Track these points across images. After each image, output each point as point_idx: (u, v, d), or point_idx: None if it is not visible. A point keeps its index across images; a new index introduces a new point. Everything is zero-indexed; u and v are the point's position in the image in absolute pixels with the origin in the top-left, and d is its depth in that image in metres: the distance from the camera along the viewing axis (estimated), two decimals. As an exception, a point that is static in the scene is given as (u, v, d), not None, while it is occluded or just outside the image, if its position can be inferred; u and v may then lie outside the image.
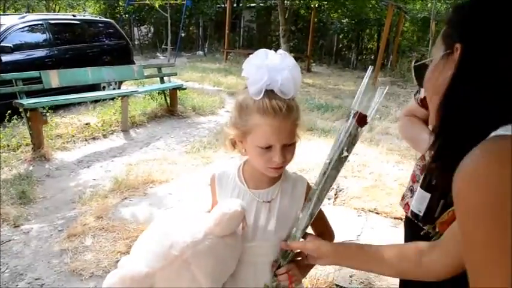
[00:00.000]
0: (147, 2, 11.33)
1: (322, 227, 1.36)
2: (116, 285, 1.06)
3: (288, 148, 1.20)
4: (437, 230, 1.40)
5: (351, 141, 1.15)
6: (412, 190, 1.65)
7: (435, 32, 11.33)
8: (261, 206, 1.29)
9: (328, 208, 3.98)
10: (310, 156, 5.11)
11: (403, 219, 1.80)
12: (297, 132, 1.23)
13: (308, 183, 1.35)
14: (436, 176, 1.32)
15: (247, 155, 1.26)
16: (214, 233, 1.16)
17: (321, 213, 1.31)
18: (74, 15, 9.22)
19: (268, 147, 1.17)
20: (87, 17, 10.18)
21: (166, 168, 4.81)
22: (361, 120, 1.13)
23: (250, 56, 1.18)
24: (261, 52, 1.18)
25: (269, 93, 1.14)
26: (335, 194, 4.21)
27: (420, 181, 1.44)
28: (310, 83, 12.75)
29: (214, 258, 1.16)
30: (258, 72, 1.14)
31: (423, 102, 1.60)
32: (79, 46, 8.31)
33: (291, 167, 1.31)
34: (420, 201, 1.40)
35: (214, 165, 4.95)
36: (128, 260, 1.15)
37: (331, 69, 17.10)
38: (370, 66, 1.22)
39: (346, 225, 3.56)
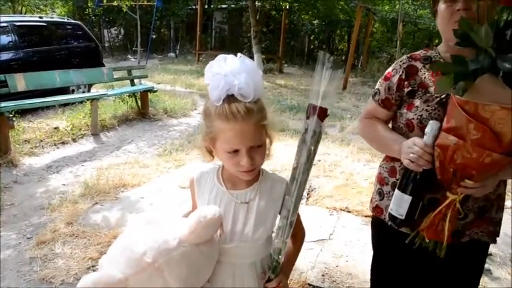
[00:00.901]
0: (115, 3, 11.14)
1: (296, 229, 1.36)
2: None
3: (256, 150, 1.22)
4: (422, 237, 1.43)
5: (316, 140, 1.17)
6: (380, 193, 1.66)
7: (403, 33, 11.56)
8: (239, 207, 1.31)
9: (300, 208, 4.01)
10: (282, 157, 5.13)
11: (371, 221, 1.83)
12: (268, 133, 1.26)
13: (287, 183, 1.33)
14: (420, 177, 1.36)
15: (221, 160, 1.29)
16: (188, 241, 1.16)
17: (298, 217, 1.35)
18: (40, 17, 9.04)
19: (236, 151, 1.19)
20: (55, 18, 10.00)
21: (137, 172, 4.76)
22: (322, 114, 1.15)
23: (210, 62, 1.20)
24: (220, 58, 1.20)
25: (229, 98, 1.17)
26: (307, 194, 4.25)
27: (398, 183, 1.44)
28: (282, 84, 12.83)
29: (188, 266, 1.16)
30: (215, 78, 1.16)
31: (385, 103, 1.61)
32: (46, 48, 8.15)
33: (263, 167, 1.33)
34: (400, 204, 1.40)
35: (187, 168, 4.93)
36: (106, 260, 1.16)
37: (303, 70, 17.21)
38: (320, 52, 1.18)
39: (318, 224, 3.60)
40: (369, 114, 1.70)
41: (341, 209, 3.89)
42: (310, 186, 4.38)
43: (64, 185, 4.47)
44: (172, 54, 20.62)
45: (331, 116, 8.05)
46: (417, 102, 1.50)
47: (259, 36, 13.97)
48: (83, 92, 8.31)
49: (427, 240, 1.42)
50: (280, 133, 6.47)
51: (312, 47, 20.55)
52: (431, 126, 1.34)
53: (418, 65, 1.56)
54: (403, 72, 1.56)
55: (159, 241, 1.13)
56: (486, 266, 3.16)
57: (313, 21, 18.96)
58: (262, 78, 1.24)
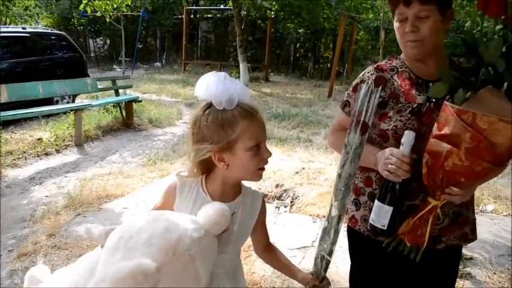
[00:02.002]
0: (98, 14, 11.13)
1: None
2: (125, 279, 0.98)
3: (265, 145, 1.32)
4: (402, 241, 1.45)
5: (359, 153, 1.33)
6: (357, 203, 1.66)
7: (386, 40, 11.71)
8: None
9: (284, 216, 4.05)
10: (266, 164, 5.17)
11: (347, 231, 1.81)
12: None
13: (263, 199, 1.45)
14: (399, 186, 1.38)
15: (232, 169, 1.29)
16: (211, 231, 1.20)
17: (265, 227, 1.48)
18: (23, 28, 9.00)
19: (257, 146, 1.26)
20: (38, 29, 9.97)
21: (121, 182, 4.74)
22: (364, 127, 1.30)
23: (200, 81, 1.26)
24: (207, 75, 1.27)
25: (238, 101, 1.25)
26: (291, 202, 4.28)
27: (377, 194, 1.45)
28: (268, 93, 12.89)
29: (212, 256, 1.20)
30: (223, 86, 1.22)
31: None
32: (30, 59, 8.12)
33: None
34: (381, 215, 1.41)
35: (172, 177, 4.92)
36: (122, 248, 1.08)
37: (289, 79, 17.33)
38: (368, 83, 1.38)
39: (301, 231, 3.62)
40: (339, 126, 1.71)
41: (324, 216, 3.89)
42: (294, 194, 4.42)
43: (47, 196, 4.44)
44: (158, 63, 20.61)
45: (316, 124, 8.13)
46: (390, 112, 1.52)
47: (244, 45, 14.04)
48: (68, 102, 8.28)
49: (408, 245, 1.44)
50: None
51: (297, 55, 20.66)
52: (407, 137, 1.37)
53: (386, 75, 1.57)
54: (373, 83, 1.56)
55: (189, 229, 1.14)
56: (467, 269, 3.22)
57: (299, 30, 19.10)
58: None
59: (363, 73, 1.65)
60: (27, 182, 4.84)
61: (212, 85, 1.23)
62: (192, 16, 21.06)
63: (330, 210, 1.41)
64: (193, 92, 1.24)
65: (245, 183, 1.43)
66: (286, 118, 8.56)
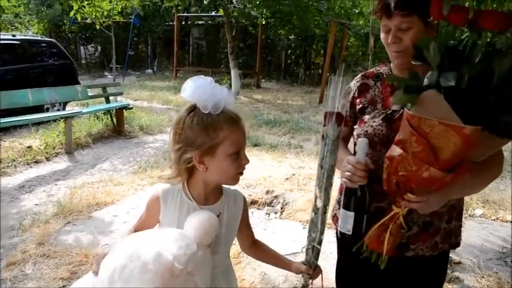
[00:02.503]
0: (89, 21, 11.12)
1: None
2: None
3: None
4: (367, 247, 1.45)
5: (336, 144, 1.34)
6: (339, 202, 1.67)
7: (377, 46, 11.79)
8: None
9: (274, 222, 4.06)
10: (256, 171, 5.19)
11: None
12: None
13: (244, 197, 1.49)
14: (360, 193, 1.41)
15: (211, 172, 1.31)
16: (203, 242, 1.21)
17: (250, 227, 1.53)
18: (13, 35, 8.95)
19: (237, 153, 1.29)
20: (28, 37, 9.94)
21: (111, 190, 4.73)
22: (339, 119, 1.31)
23: (188, 83, 1.27)
24: (195, 78, 1.28)
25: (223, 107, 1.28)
26: (281, 208, 4.30)
27: (341, 201, 1.48)
28: (259, 99, 12.92)
29: (209, 266, 1.22)
30: (211, 91, 1.24)
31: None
32: (20, 67, 8.09)
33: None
34: (346, 220, 1.44)
35: (161, 185, 4.92)
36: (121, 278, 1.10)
37: (280, 85, 17.39)
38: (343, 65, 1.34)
39: (291, 237, 3.64)
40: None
41: (314, 222, 3.93)
42: (284, 200, 4.43)
43: (37, 204, 4.42)
44: (150, 70, 20.60)
45: (307, 130, 8.16)
46: (366, 118, 1.56)
47: (235, 52, 14.08)
48: (58, 110, 8.24)
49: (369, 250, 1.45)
50: (256, 148, 6.52)
51: (289, 61, 20.75)
52: (360, 144, 1.41)
53: (370, 82, 1.62)
54: (356, 90, 1.63)
55: (182, 247, 1.15)
56: (456, 274, 3.25)
57: (290, 37, 19.20)
58: None
59: (353, 80, 1.70)
60: (17, 190, 4.81)
61: (200, 88, 1.25)
62: (183, 23, 21.10)
63: (315, 202, 1.42)
64: (184, 98, 1.26)
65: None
66: (277, 124, 8.59)
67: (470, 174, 1.35)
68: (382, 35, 1.52)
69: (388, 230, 1.37)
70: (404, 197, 1.32)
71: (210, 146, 1.25)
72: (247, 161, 1.33)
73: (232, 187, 1.43)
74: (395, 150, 1.28)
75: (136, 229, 1.44)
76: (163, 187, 1.41)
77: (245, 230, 1.52)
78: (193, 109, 1.27)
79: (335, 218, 1.73)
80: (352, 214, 1.43)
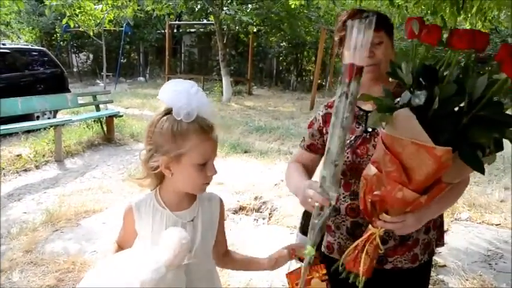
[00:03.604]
0: (81, 29, 11.15)
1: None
2: None
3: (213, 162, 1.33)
4: (344, 267, 1.43)
5: (351, 102, 1.16)
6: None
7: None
8: (185, 227, 1.34)
9: (262, 228, 4.08)
10: (246, 177, 5.22)
11: None
12: None
13: (219, 198, 1.48)
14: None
15: (176, 178, 1.30)
16: (173, 265, 1.18)
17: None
18: (3, 44, 8.97)
19: (203, 164, 1.27)
20: (18, 45, 9.94)
21: (100, 198, 4.74)
22: (358, 72, 1.14)
23: (167, 83, 1.27)
24: (177, 81, 1.28)
25: (197, 115, 1.25)
26: (269, 214, 4.32)
27: (299, 227, 1.50)
28: (250, 106, 12.97)
29: (181, 285, 1.21)
30: (187, 98, 1.22)
31: (310, 148, 1.70)
32: (10, 75, 8.10)
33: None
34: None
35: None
36: None
37: (272, 92, 17.46)
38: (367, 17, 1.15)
39: (278, 243, 3.63)
40: (294, 159, 1.77)
41: (302, 228, 3.96)
42: (272, 206, 4.46)
43: (25, 213, 4.41)
44: (142, 78, 20.61)
45: (297, 136, 8.19)
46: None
47: (227, 59, 14.15)
48: (49, 118, 8.23)
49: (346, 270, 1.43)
50: (245, 154, 6.56)
51: (280, 68, 20.86)
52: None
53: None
54: (321, 120, 1.67)
55: (150, 270, 1.14)
56: (440, 277, 3.29)
57: (281, 44, 19.30)
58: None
59: (316, 112, 1.74)
60: (6, 198, 4.80)
61: (177, 93, 1.23)
62: (175, 31, 21.14)
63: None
64: None
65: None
66: (267, 131, 8.64)
67: (442, 198, 1.35)
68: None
69: (364, 251, 1.34)
70: (380, 217, 1.30)
71: (176, 154, 1.24)
72: (214, 173, 1.31)
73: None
74: (371, 170, 1.27)
75: (118, 243, 1.45)
76: (136, 198, 1.41)
77: (219, 236, 1.47)
78: (167, 113, 1.25)
79: None
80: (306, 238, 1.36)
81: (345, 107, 1.16)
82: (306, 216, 1.44)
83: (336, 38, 1.63)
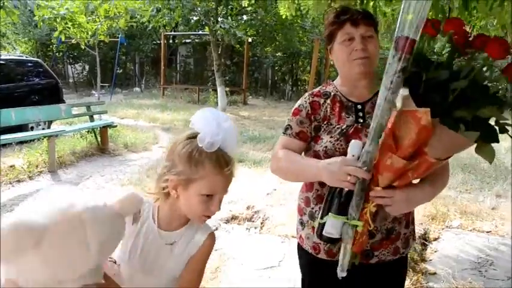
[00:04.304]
0: (73, 41, 11.21)
1: None
2: (6, 232, 0.97)
3: (221, 199, 1.32)
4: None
5: (394, 73, 1.22)
6: (302, 223, 1.73)
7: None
8: (163, 248, 1.36)
9: (254, 237, 4.09)
10: (239, 187, 5.23)
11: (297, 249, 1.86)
12: None
13: (211, 234, 1.40)
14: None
15: (181, 202, 1.31)
16: (114, 208, 1.19)
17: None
18: (-2, 55, 9.01)
19: (209, 196, 1.27)
20: (13, 56, 9.97)
21: (93, 208, 4.73)
22: (411, 46, 1.19)
23: (202, 110, 1.30)
24: (212, 110, 1.30)
25: (220, 147, 1.26)
26: (261, 223, 4.34)
27: (334, 208, 1.41)
28: (245, 116, 13.02)
29: (110, 230, 1.17)
30: (214, 127, 1.25)
31: (300, 136, 1.65)
32: (4, 86, 8.10)
33: None
34: (339, 225, 1.40)
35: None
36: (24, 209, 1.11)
37: (267, 101, 17.53)
38: None
39: (269, 252, 3.67)
40: (281, 146, 1.69)
41: (293, 236, 3.96)
42: (264, 215, 4.48)
43: (17, 223, 4.40)
44: (137, 89, 20.66)
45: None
46: (322, 134, 1.61)
47: (222, 70, 14.24)
48: (43, 128, 8.24)
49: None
50: (239, 163, 6.57)
51: (275, 78, 20.97)
52: (357, 145, 1.38)
53: (320, 100, 1.66)
54: (309, 107, 1.66)
55: (88, 198, 1.15)
56: (430, 284, 3.30)
57: (276, 54, 19.43)
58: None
59: (300, 99, 1.73)
60: (-2, 209, 4.80)
61: (206, 120, 1.26)
62: (170, 41, 21.27)
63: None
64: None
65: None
66: (261, 141, 8.67)
67: (429, 184, 1.46)
68: (340, 46, 1.58)
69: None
70: (371, 187, 1.35)
71: (186, 178, 1.26)
72: (217, 209, 1.30)
73: (222, 211, 1.43)
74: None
75: None
76: (147, 199, 1.41)
77: (183, 272, 1.37)
78: (193, 137, 1.27)
79: (301, 238, 1.75)
80: (343, 218, 1.39)
81: (399, 83, 1.22)
82: (335, 196, 1.41)
83: (325, 34, 1.66)
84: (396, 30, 1.22)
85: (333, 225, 1.41)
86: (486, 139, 1.23)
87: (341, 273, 1.45)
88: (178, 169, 1.27)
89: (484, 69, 1.23)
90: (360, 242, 1.41)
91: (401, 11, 1.22)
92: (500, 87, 1.27)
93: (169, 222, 1.37)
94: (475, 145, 1.26)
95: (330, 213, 1.41)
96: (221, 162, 1.26)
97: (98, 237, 1.12)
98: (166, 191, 1.31)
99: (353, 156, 1.37)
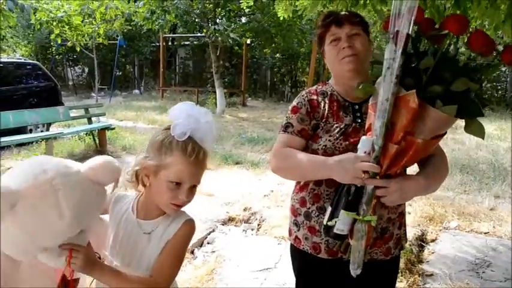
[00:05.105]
0: (69, 44, 11.22)
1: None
2: None
3: (193, 189, 1.35)
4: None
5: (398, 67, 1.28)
6: (296, 224, 1.71)
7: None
8: (141, 238, 1.38)
9: (250, 239, 4.09)
10: (236, 188, 5.24)
11: (290, 251, 1.84)
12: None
13: (187, 221, 1.39)
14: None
15: (152, 190, 1.35)
16: (87, 174, 1.26)
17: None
18: (-4, 58, 9.03)
19: (178, 184, 1.30)
20: (11, 59, 9.99)
21: (90, 210, 4.73)
22: (403, 39, 1.26)
23: (180, 103, 1.35)
24: (190, 103, 1.35)
25: (191, 138, 1.30)
26: (258, 225, 4.33)
27: (343, 204, 1.42)
28: (244, 117, 13.02)
29: (82, 194, 1.22)
30: (187, 118, 1.29)
31: (302, 133, 1.63)
32: (3, 89, 8.12)
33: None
34: (346, 222, 1.40)
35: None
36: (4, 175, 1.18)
37: (266, 103, 17.53)
38: None
39: (265, 253, 3.66)
40: (284, 145, 1.65)
41: (289, 239, 3.96)
42: (261, 217, 4.47)
43: (14, 226, 4.40)
44: (136, 91, 20.66)
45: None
46: (320, 133, 1.61)
47: (221, 72, 14.24)
48: (42, 131, 8.24)
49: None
50: (237, 165, 6.58)
51: (274, 79, 20.98)
52: (368, 142, 1.38)
53: (318, 98, 1.67)
54: (308, 104, 1.66)
55: (60, 165, 1.23)
56: (427, 285, 3.29)
57: (275, 55, 19.44)
58: (217, 132, 1.40)
59: (298, 97, 1.72)
60: (-5, 212, 4.78)
61: (178, 111, 1.31)
62: (169, 43, 21.27)
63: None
64: None
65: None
66: (260, 142, 8.66)
67: (424, 177, 1.48)
68: (328, 47, 1.62)
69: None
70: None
71: (156, 165, 1.30)
72: (186, 198, 1.32)
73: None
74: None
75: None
76: (121, 192, 1.48)
77: (160, 258, 1.35)
78: (168, 128, 1.32)
79: (297, 239, 1.73)
80: (353, 214, 1.40)
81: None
82: (346, 193, 1.41)
83: (316, 38, 1.71)
84: (392, 25, 1.30)
85: (344, 222, 1.41)
86: (469, 114, 1.27)
87: (356, 270, 1.46)
88: (150, 156, 1.32)
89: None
90: (368, 237, 1.43)
91: (393, 9, 1.29)
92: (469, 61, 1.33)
93: (147, 212, 1.40)
94: (473, 143, 1.30)
95: (342, 210, 1.40)
96: (190, 151, 1.29)
97: (70, 202, 1.17)
98: (140, 178, 1.36)
99: (365, 152, 1.38)
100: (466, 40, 1.29)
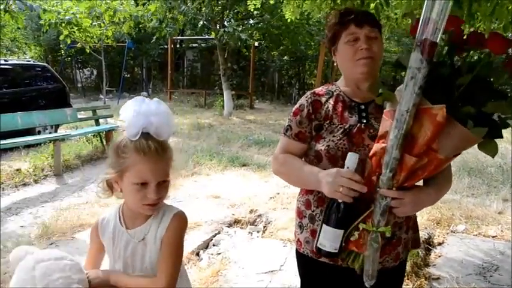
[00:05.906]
0: (78, 46, 11.30)
1: None
2: None
3: (163, 185, 1.31)
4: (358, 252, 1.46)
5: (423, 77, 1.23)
6: (300, 226, 1.69)
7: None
8: (136, 246, 1.37)
9: (256, 241, 4.08)
10: (242, 191, 5.24)
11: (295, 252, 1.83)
12: (170, 172, 1.35)
13: (177, 213, 1.39)
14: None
15: (123, 195, 1.34)
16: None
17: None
18: (5, 60, 9.11)
19: (144, 184, 1.27)
20: (20, 61, 10.07)
21: (97, 211, 4.74)
22: (431, 48, 1.21)
23: (128, 101, 1.30)
24: (139, 99, 1.31)
25: (145, 135, 1.27)
26: (264, 227, 4.32)
27: (325, 218, 1.43)
28: (251, 120, 13.02)
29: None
30: (136, 116, 1.26)
31: (299, 137, 1.64)
32: (12, 91, 8.20)
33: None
34: (333, 239, 1.40)
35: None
36: None
37: (274, 105, 17.53)
38: None
39: (270, 256, 3.65)
40: (283, 150, 1.70)
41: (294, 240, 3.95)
42: (267, 219, 4.46)
43: (22, 226, 4.43)
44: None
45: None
46: (324, 134, 1.59)
47: (228, 74, 14.28)
48: (50, 132, 8.30)
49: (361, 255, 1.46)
50: (244, 167, 6.57)
51: (282, 82, 20.98)
52: (352, 158, 1.38)
53: (322, 99, 1.65)
54: (310, 106, 1.64)
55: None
56: (434, 290, 3.27)
57: (283, 58, 19.43)
58: (174, 121, 1.37)
59: (302, 98, 1.71)
60: (4, 212, 4.82)
61: (128, 110, 1.28)
62: (178, 46, 21.33)
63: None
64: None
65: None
66: (267, 144, 8.66)
67: (435, 190, 1.48)
68: (345, 46, 1.57)
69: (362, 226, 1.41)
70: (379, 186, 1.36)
71: (119, 169, 1.28)
72: (156, 196, 1.29)
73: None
74: (378, 146, 1.36)
75: (86, 262, 1.47)
76: (104, 214, 1.46)
77: (159, 257, 1.35)
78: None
79: (298, 242, 1.72)
80: (340, 232, 1.39)
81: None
82: (335, 208, 1.40)
83: (329, 35, 1.65)
84: (420, 33, 1.24)
85: (325, 237, 1.41)
86: (489, 135, 1.23)
87: (370, 282, 1.45)
88: (111, 162, 1.30)
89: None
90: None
91: (423, 14, 1.23)
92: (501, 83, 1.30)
93: (134, 220, 1.38)
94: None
95: (325, 226, 1.41)
96: (143, 149, 1.26)
97: None
98: (111, 186, 1.34)
99: (347, 168, 1.38)
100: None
